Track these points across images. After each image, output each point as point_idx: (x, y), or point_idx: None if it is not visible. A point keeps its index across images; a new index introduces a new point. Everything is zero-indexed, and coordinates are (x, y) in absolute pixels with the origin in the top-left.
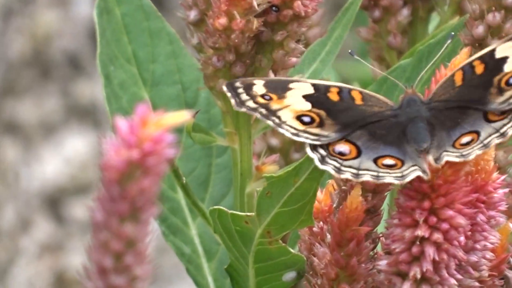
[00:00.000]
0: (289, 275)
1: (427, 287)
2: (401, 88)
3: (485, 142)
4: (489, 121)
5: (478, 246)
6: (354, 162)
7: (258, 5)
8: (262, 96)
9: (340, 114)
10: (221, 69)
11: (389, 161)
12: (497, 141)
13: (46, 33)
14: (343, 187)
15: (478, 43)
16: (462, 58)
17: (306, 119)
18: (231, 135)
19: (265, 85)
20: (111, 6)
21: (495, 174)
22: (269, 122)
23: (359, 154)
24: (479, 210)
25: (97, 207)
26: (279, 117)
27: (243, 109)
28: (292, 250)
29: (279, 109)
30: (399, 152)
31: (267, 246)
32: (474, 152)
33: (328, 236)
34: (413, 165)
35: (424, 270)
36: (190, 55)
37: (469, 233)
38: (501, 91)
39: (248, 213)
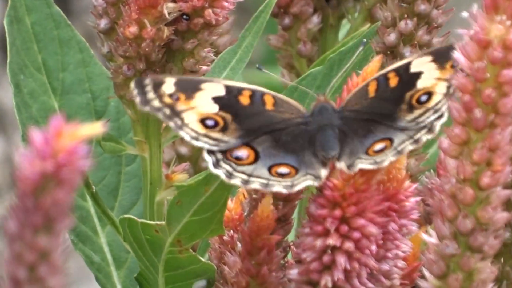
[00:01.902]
0: (199, 284)
1: None
2: (312, 96)
3: (399, 148)
4: (402, 128)
5: (389, 254)
6: (248, 168)
7: (169, 13)
8: (170, 95)
9: (247, 119)
10: (132, 78)
11: (283, 170)
12: (410, 147)
13: None
14: (254, 196)
15: (390, 50)
16: (374, 66)
17: (210, 122)
18: (141, 143)
19: (176, 84)
20: (21, 15)
21: (407, 183)
22: (171, 124)
23: (256, 160)
24: (390, 219)
25: (11, 218)
26: (182, 119)
27: (147, 108)
28: (202, 259)
29: (184, 110)
30: (297, 161)
31: (177, 255)
32: (387, 158)
33: (239, 244)
34: (306, 174)
35: (336, 279)
36: (100, 64)
37: (381, 241)
38: (411, 108)
39: (158, 222)
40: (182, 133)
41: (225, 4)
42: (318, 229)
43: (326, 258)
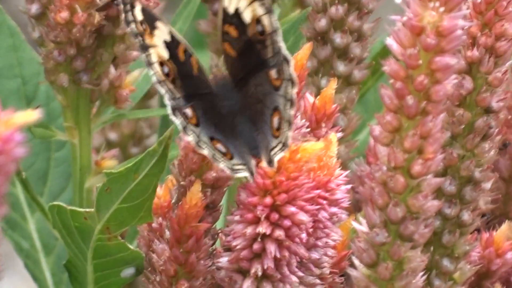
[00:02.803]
0: (128, 271)
1: (268, 285)
2: None
3: (286, 117)
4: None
5: (319, 243)
6: (196, 130)
7: None
8: (141, 22)
9: (185, 77)
10: (62, 63)
11: (221, 147)
12: (291, 112)
13: None
14: (182, 183)
15: (321, 36)
16: (304, 52)
17: (165, 69)
18: (70, 129)
19: (142, 12)
20: None
21: (337, 171)
22: (143, 57)
23: (198, 124)
24: (321, 207)
25: None
26: (149, 55)
27: (129, 29)
28: (130, 247)
29: (149, 47)
30: (230, 144)
31: (106, 242)
32: (286, 135)
33: (167, 232)
34: (242, 164)
35: (265, 267)
36: (31, 49)
37: (311, 230)
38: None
39: (87, 209)
40: (151, 73)
41: None
42: (248, 217)
43: (256, 246)
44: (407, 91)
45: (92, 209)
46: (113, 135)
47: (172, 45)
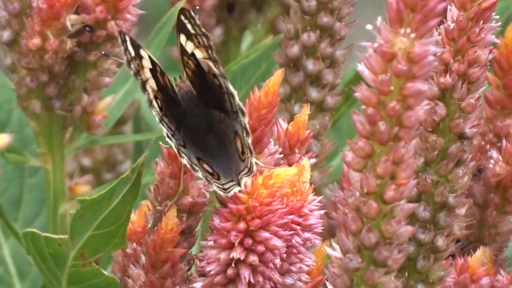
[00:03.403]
0: None
1: None
2: None
3: (245, 142)
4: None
5: (293, 268)
6: (186, 151)
7: (72, 25)
8: (134, 58)
9: (167, 101)
10: (35, 90)
11: (207, 167)
12: (248, 138)
13: None
14: (158, 208)
15: (293, 63)
16: (276, 79)
17: (159, 103)
18: (44, 155)
19: (131, 43)
20: None
21: (310, 196)
22: (145, 98)
23: (185, 145)
24: (295, 232)
25: None
26: (148, 94)
27: (131, 72)
28: (105, 272)
29: (145, 82)
30: (212, 163)
31: (81, 268)
32: (250, 160)
33: (143, 257)
34: (230, 181)
35: None
36: (3, 75)
37: (285, 255)
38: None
39: (62, 236)
40: (153, 113)
41: (128, 16)
42: (222, 242)
43: (230, 271)
44: (379, 117)
45: (66, 236)
46: (86, 161)
47: (153, 70)
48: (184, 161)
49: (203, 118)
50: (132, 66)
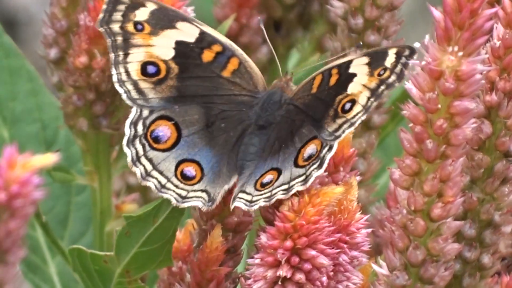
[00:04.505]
0: None
1: None
2: None
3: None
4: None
5: (340, 286)
6: (163, 155)
7: None
8: (136, 23)
9: (191, 79)
10: (82, 108)
11: (190, 171)
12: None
13: None
14: (203, 227)
15: None
16: None
17: (152, 69)
18: (90, 173)
19: (154, 12)
20: None
21: (358, 214)
22: (111, 54)
23: (173, 146)
24: (341, 251)
25: None
26: (126, 54)
27: (101, 29)
28: None
29: (136, 46)
30: (212, 163)
31: (126, 285)
32: (311, 171)
33: (188, 276)
34: (203, 190)
35: None
36: (50, 93)
37: (332, 273)
38: (335, 117)
39: (107, 253)
40: (114, 70)
41: None
42: (269, 260)
43: None
44: (426, 135)
45: (112, 253)
46: (133, 179)
47: (194, 45)
48: (137, 171)
49: (273, 116)
50: (114, 27)
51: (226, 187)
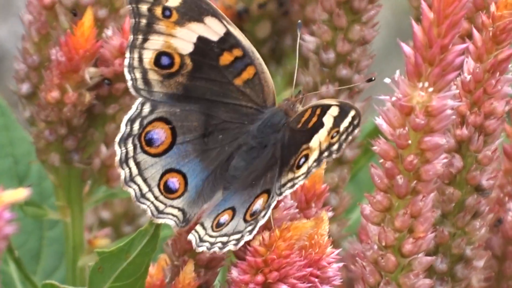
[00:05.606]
0: None
1: None
2: None
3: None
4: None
5: None
6: (152, 160)
7: (90, 78)
8: (166, 9)
9: (201, 80)
10: (53, 143)
11: (174, 183)
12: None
13: None
14: (176, 262)
15: None
16: None
17: (166, 61)
18: (63, 208)
19: (186, 0)
20: None
21: (329, 249)
22: (130, 37)
23: (164, 152)
24: (313, 285)
25: None
26: (145, 40)
27: (129, 6)
28: None
29: (157, 33)
30: (198, 179)
31: None
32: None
33: None
34: (180, 209)
35: None
36: (22, 128)
37: None
38: (290, 169)
39: None
40: (127, 53)
41: None
42: None
43: None
44: (397, 171)
45: None
46: (105, 214)
47: (216, 44)
48: (122, 174)
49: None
50: (142, 7)
51: (205, 206)
